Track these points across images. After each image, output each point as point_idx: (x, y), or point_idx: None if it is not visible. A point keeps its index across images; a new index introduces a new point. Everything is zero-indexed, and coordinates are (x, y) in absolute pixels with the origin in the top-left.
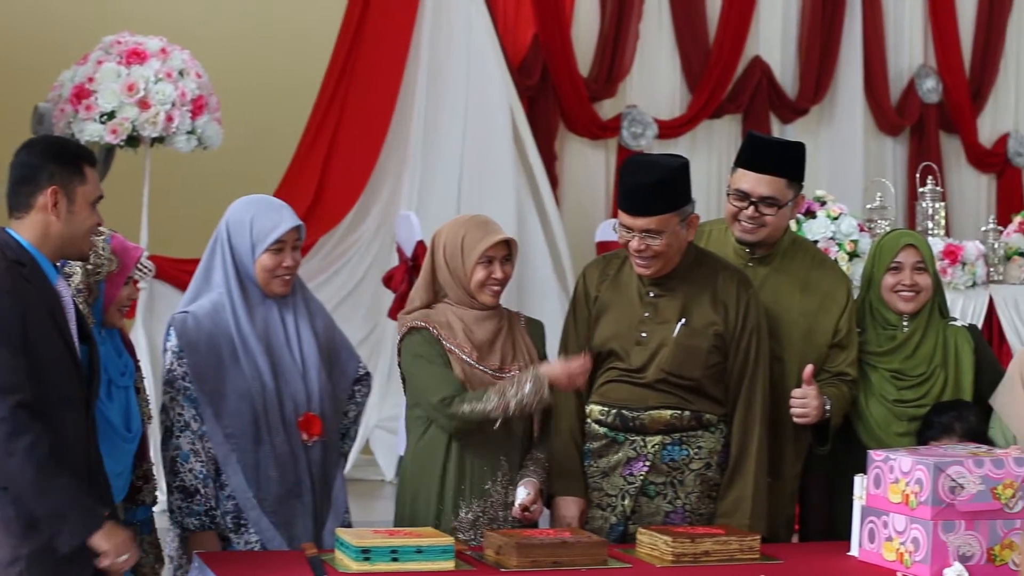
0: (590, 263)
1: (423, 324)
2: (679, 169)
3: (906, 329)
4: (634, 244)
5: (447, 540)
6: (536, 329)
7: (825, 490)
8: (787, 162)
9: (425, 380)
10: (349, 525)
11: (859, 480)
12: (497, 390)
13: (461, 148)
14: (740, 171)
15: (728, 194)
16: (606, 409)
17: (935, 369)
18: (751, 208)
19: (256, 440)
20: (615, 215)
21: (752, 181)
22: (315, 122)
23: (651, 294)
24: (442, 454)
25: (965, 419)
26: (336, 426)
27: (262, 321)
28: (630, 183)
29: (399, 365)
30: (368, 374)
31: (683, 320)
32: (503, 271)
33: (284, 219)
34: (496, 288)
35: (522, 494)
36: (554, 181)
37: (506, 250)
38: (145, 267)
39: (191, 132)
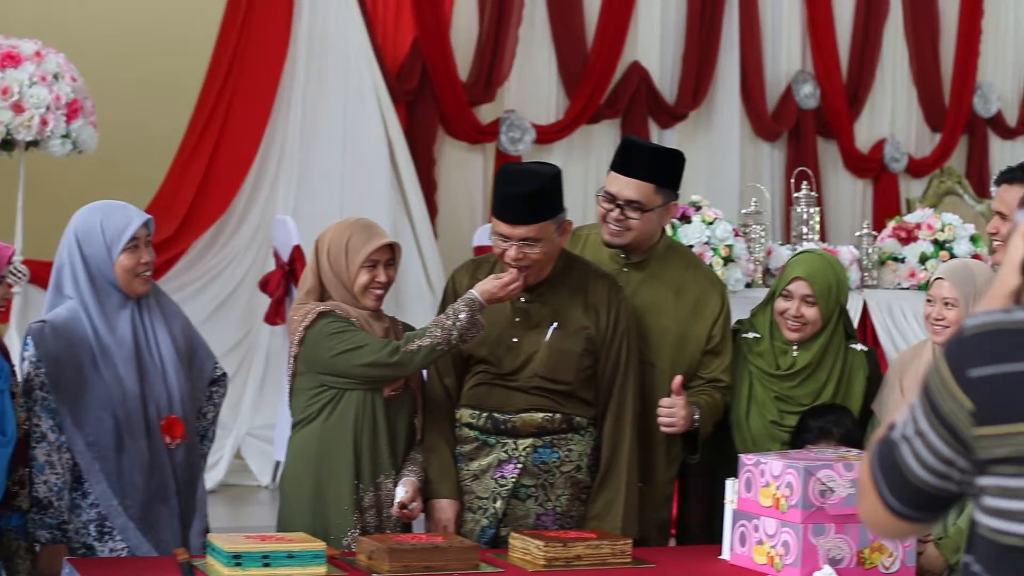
0: (459, 267)
1: (331, 308)
2: (554, 178)
3: (795, 354)
4: (511, 253)
5: (319, 545)
6: None
7: (704, 494)
8: (659, 168)
9: (360, 342)
10: (208, 528)
11: (730, 484)
12: (436, 323)
13: (339, 153)
14: (612, 174)
15: (597, 195)
16: (477, 413)
17: (823, 402)
18: (617, 211)
19: (119, 447)
20: None
21: (620, 184)
22: (197, 125)
23: (522, 299)
24: (350, 437)
25: (842, 424)
26: (195, 428)
27: (122, 326)
28: (508, 193)
29: (294, 358)
30: (224, 375)
31: (555, 324)
32: (387, 275)
33: (133, 217)
34: (379, 292)
35: (400, 492)
36: (433, 185)
37: (390, 254)
38: (19, 271)
39: (66, 136)
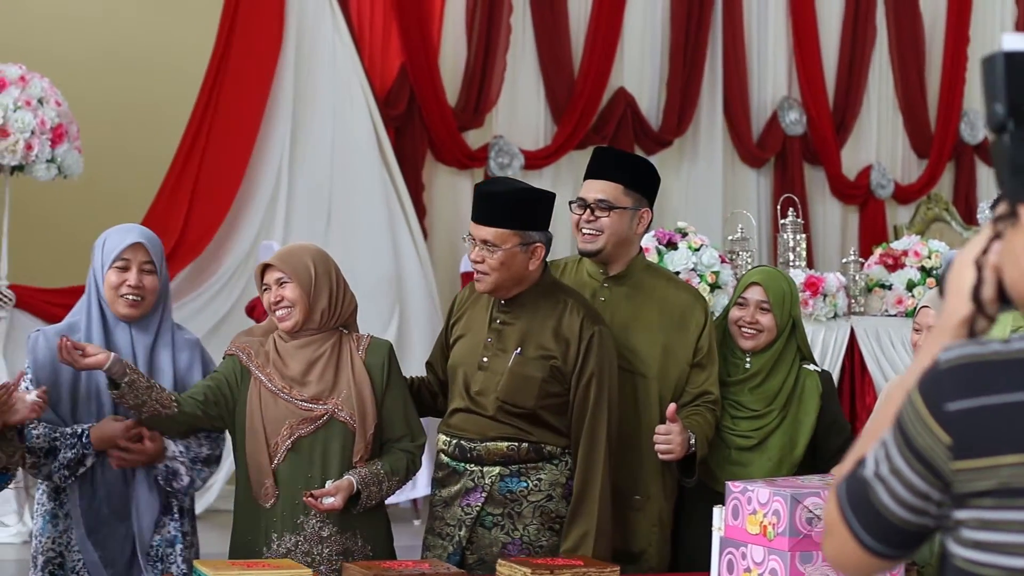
0: (469, 283)
1: (235, 351)
2: (533, 192)
3: (749, 365)
4: (473, 254)
5: (305, 572)
6: (378, 351)
7: (686, 519)
8: (625, 169)
9: None
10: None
11: (717, 511)
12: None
13: (328, 178)
14: (584, 183)
15: (570, 204)
16: (448, 439)
17: (774, 410)
18: (586, 212)
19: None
20: None
21: (588, 187)
22: (183, 150)
23: (498, 320)
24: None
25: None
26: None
27: (116, 345)
28: (480, 191)
29: None
30: None
31: (519, 349)
32: (277, 295)
33: (127, 237)
34: (279, 312)
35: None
36: (422, 211)
37: (277, 273)
38: (4, 296)
39: (51, 160)
